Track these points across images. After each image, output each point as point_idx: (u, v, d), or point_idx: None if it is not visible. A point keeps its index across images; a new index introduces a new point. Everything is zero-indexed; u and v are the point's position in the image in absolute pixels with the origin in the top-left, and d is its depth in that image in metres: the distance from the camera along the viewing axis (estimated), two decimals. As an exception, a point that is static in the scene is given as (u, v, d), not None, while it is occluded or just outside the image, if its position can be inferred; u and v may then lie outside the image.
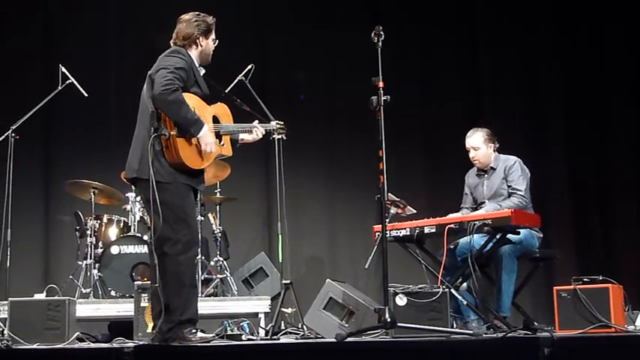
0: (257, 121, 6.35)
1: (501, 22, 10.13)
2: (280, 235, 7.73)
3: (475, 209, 7.55)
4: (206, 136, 5.75)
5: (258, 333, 7.39)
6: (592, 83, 9.94)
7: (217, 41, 6.08)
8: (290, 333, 7.35)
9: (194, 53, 5.95)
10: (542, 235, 7.39)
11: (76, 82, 8.16)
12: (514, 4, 10.10)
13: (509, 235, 6.97)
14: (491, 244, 6.94)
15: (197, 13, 6.04)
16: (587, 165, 9.90)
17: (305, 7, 10.13)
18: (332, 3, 10.16)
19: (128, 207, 8.56)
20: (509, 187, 7.38)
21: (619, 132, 9.85)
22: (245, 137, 6.24)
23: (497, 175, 7.49)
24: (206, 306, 7.47)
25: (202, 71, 6.01)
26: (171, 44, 5.98)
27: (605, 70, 9.93)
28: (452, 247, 7.23)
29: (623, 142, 9.81)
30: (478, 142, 7.53)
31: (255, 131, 6.23)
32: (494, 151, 7.57)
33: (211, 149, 5.80)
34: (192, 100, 5.73)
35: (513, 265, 7.12)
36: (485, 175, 7.58)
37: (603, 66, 9.94)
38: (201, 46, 5.97)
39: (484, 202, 7.50)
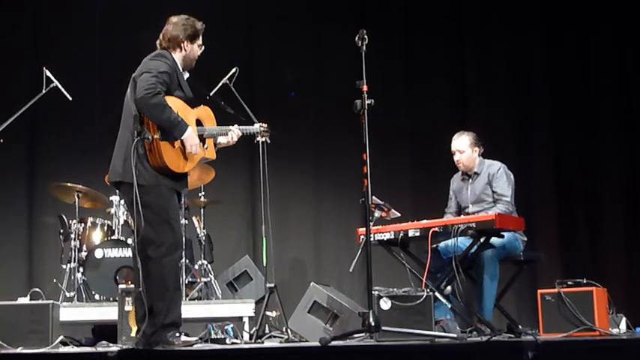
0: (237, 125, 6.31)
1: (489, 23, 10.14)
2: (265, 238, 7.72)
3: (459, 214, 7.56)
4: (190, 137, 5.74)
5: (242, 336, 7.37)
6: (579, 85, 9.97)
7: (203, 47, 6.05)
8: (274, 336, 7.34)
9: (178, 56, 5.93)
10: (526, 239, 7.41)
11: (60, 86, 8.14)
12: (502, 6, 10.11)
13: (492, 239, 6.98)
14: (475, 248, 6.95)
15: (187, 17, 6.00)
16: (573, 167, 9.92)
17: (292, 7, 10.13)
18: (321, 5, 10.16)
19: (112, 210, 8.54)
20: (494, 192, 7.40)
21: (605, 134, 9.87)
22: (221, 140, 6.20)
23: (480, 180, 7.52)
24: (190, 309, 7.46)
25: (186, 75, 5.99)
26: (157, 44, 5.97)
27: (593, 72, 9.95)
28: (435, 246, 7.23)
29: (610, 145, 9.83)
30: (464, 146, 7.56)
31: (230, 134, 6.18)
32: (479, 155, 7.60)
33: (196, 150, 5.80)
34: (175, 104, 5.72)
35: (495, 269, 7.14)
36: (470, 180, 7.60)
37: (590, 68, 9.96)
38: (185, 50, 5.95)
39: (468, 207, 7.52)
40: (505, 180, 7.43)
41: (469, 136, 7.60)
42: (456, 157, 7.62)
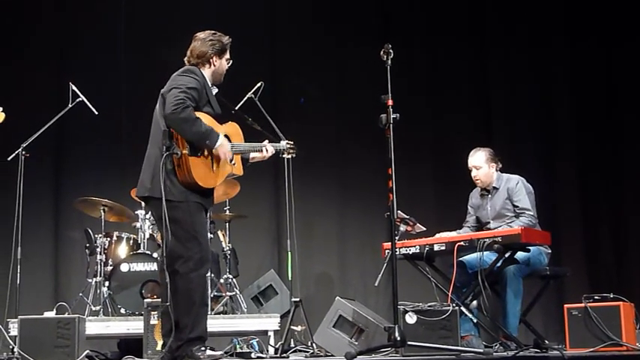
0: (267, 141, 6.33)
1: (512, 35, 10.10)
2: (290, 253, 7.72)
3: (478, 229, 7.53)
4: (223, 146, 5.77)
5: (267, 351, 7.37)
6: (603, 97, 9.92)
7: (231, 61, 6.08)
8: (299, 351, 7.34)
9: (207, 72, 5.96)
10: (550, 252, 7.37)
11: (86, 100, 8.18)
12: (525, 17, 10.09)
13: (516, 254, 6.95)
14: (501, 262, 6.92)
15: (213, 32, 6.04)
16: (597, 180, 9.85)
17: (316, 20, 10.15)
18: (343, 17, 10.16)
19: (138, 224, 8.55)
20: (515, 207, 7.36)
21: (630, 146, 9.80)
22: (255, 155, 6.23)
23: (500, 195, 7.49)
24: (215, 324, 7.46)
25: (215, 90, 6.02)
26: (185, 62, 6.00)
27: (616, 84, 9.90)
28: (460, 259, 7.20)
29: (634, 157, 9.76)
30: (480, 162, 7.54)
31: (264, 150, 6.22)
32: (496, 170, 7.57)
33: (230, 157, 5.81)
34: (204, 119, 5.73)
35: (518, 284, 7.10)
36: (489, 196, 7.56)
37: (614, 79, 9.91)
38: (214, 65, 5.98)
39: (489, 223, 7.49)
40: (525, 193, 7.40)
41: (485, 152, 7.58)
42: (473, 174, 7.60)
